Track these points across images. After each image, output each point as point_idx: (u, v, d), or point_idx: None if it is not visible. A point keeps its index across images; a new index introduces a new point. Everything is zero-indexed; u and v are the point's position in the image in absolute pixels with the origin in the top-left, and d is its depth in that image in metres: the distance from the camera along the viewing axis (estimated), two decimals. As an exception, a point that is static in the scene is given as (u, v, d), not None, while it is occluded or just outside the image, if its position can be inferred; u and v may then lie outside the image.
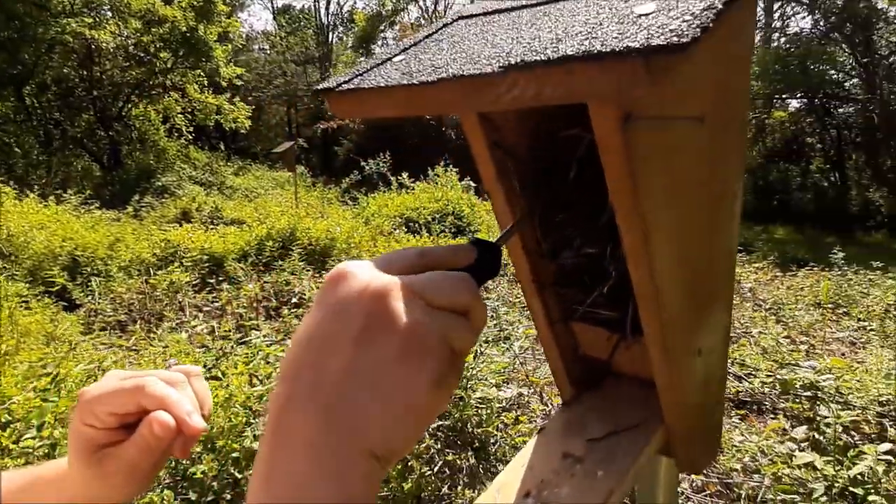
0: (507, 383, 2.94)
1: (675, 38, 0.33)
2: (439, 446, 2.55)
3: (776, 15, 20.98)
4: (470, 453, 2.41)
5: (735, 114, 0.64)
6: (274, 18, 33.78)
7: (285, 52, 29.91)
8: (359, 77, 0.53)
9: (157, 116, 16.85)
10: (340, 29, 34.30)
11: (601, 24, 0.41)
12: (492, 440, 2.49)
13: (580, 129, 0.58)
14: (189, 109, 17.34)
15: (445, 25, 0.62)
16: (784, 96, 19.11)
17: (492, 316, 4.18)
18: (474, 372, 2.72)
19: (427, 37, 0.60)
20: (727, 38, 0.53)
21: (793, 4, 19.32)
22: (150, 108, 16.67)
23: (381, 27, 31.94)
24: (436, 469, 2.45)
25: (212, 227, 8.79)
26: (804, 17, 22.04)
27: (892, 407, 2.71)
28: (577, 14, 0.48)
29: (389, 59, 0.56)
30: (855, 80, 17.97)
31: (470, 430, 2.48)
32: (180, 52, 15.99)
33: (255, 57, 31.65)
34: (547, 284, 0.69)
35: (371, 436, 0.34)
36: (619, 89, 0.36)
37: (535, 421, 2.70)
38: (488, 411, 2.55)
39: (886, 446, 2.17)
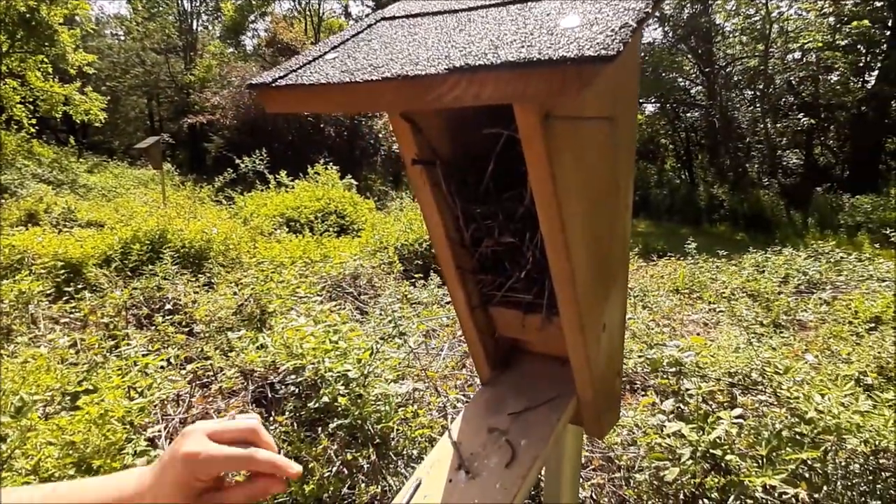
0: (403, 378, 2.98)
1: (604, 51, 0.39)
2: (336, 446, 2.54)
3: (632, 26, 22.78)
4: (371, 450, 2.41)
5: (627, 114, 0.72)
6: (128, 2, 31.04)
7: (143, 39, 27.65)
8: (294, 73, 0.54)
9: (-9, 107, 14.90)
10: (205, 17, 32.34)
11: (532, 33, 0.46)
12: (391, 435, 2.52)
13: (500, 127, 0.63)
14: (31, 99, 15.49)
15: (370, 26, 0.64)
16: (641, 100, 20.90)
17: (383, 313, 4.21)
18: (371, 369, 2.73)
19: (354, 35, 0.62)
20: (627, 51, 0.61)
21: (646, 17, 21.11)
22: (-20, 98, 14.70)
23: (251, 17, 30.60)
24: (334, 470, 2.43)
25: (65, 229, 7.97)
26: (656, 29, 24.20)
27: (740, 377, 3.09)
28: (502, 23, 0.52)
29: (321, 55, 0.57)
30: (699, 88, 20.10)
31: (369, 427, 2.49)
32: (18, 34, 14.24)
33: (108, 43, 28.96)
34: (468, 272, 0.73)
35: None
36: (551, 93, 0.41)
37: (432, 414, 2.76)
38: (387, 407, 2.58)
39: (738, 411, 2.47)
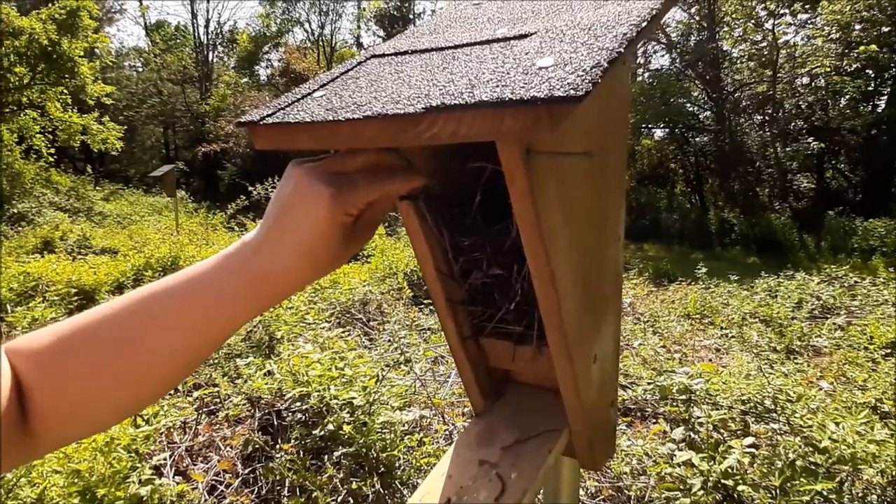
0: (409, 406, 2.96)
1: (573, 91, 0.40)
2: (341, 475, 2.51)
3: (640, 52, 23.09)
4: (376, 479, 2.39)
5: (615, 147, 0.73)
6: (147, 35, 31.99)
7: (160, 70, 28.38)
8: (281, 111, 0.55)
9: (12, 136, 15.24)
10: (221, 49, 33.17)
11: (508, 73, 0.47)
12: (397, 464, 2.49)
13: (482, 161, 0.65)
14: (50, 129, 15.87)
15: (360, 63, 0.66)
16: (650, 126, 20.97)
17: (391, 340, 4.20)
18: (377, 396, 2.72)
19: (343, 73, 0.64)
20: (608, 86, 0.62)
21: (653, 43, 21.36)
22: (2, 128, 15.04)
23: (266, 48, 31.34)
24: (339, 499, 2.41)
25: (80, 256, 8.08)
26: (663, 55, 24.43)
27: (752, 405, 3.04)
28: (483, 61, 0.54)
29: (310, 93, 0.58)
30: (708, 113, 20.14)
31: (375, 455, 2.47)
32: (39, 67, 14.65)
33: (126, 74, 29.79)
34: (458, 304, 0.74)
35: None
36: (524, 131, 0.42)
37: (439, 442, 2.74)
38: (392, 435, 2.56)
39: (750, 440, 2.43)
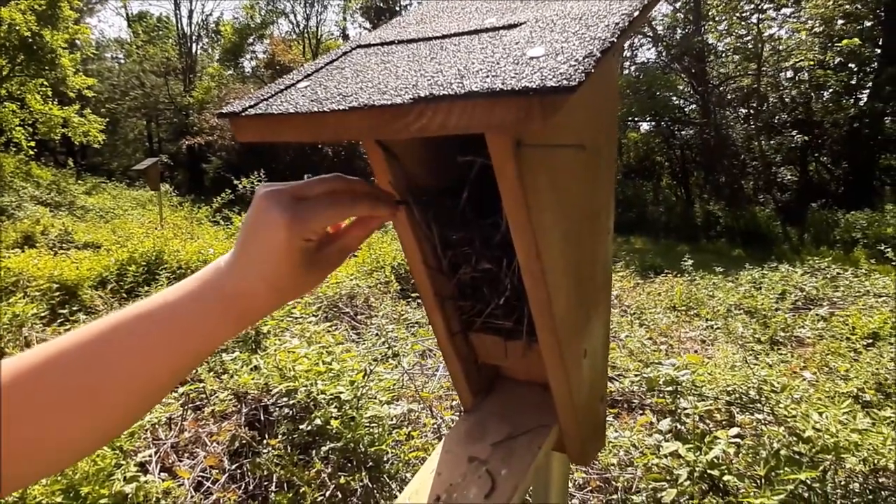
0: (397, 400, 2.95)
1: (566, 81, 0.38)
2: (329, 470, 2.50)
3: (627, 45, 23.13)
4: (364, 473, 2.38)
5: (606, 140, 0.72)
6: (129, 26, 31.50)
7: (143, 61, 27.94)
8: (264, 102, 0.54)
9: (-10, 130, 14.95)
10: (205, 40, 32.74)
11: (498, 62, 0.46)
12: (385, 458, 2.48)
13: (473, 154, 0.63)
14: (30, 122, 15.57)
15: (345, 53, 0.65)
16: (636, 119, 21.04)
17: (378, 334, 4.18)
18: (364, 391, 2.71)
19: (328, 64, 0.62)
20: (600, 78, 0.61)
21: (639, 37, 21.40)
22: (-20, 121, 14.76)
23: (250, 40, 30.98)
24: (328, 494, 2.40)
25: (61, 251, 7.95)
26: (650, 49, 24.50)
27: (737, 395, 3.07)
28: (472, 51, 0.52)
29: (293, 84, 0.57)
30: (693, 106, 20.25)
31: (362, 449, 2.46)
32: (18, 58, 14.35)
33: (108, 66, 29.31)
34: (447, 299, 0.73)
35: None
36: (516, 122, 0.41)
37: (427, 436, 2.73)
38: (380, 429, 2.55)
39: (735, 430, 2.45)
